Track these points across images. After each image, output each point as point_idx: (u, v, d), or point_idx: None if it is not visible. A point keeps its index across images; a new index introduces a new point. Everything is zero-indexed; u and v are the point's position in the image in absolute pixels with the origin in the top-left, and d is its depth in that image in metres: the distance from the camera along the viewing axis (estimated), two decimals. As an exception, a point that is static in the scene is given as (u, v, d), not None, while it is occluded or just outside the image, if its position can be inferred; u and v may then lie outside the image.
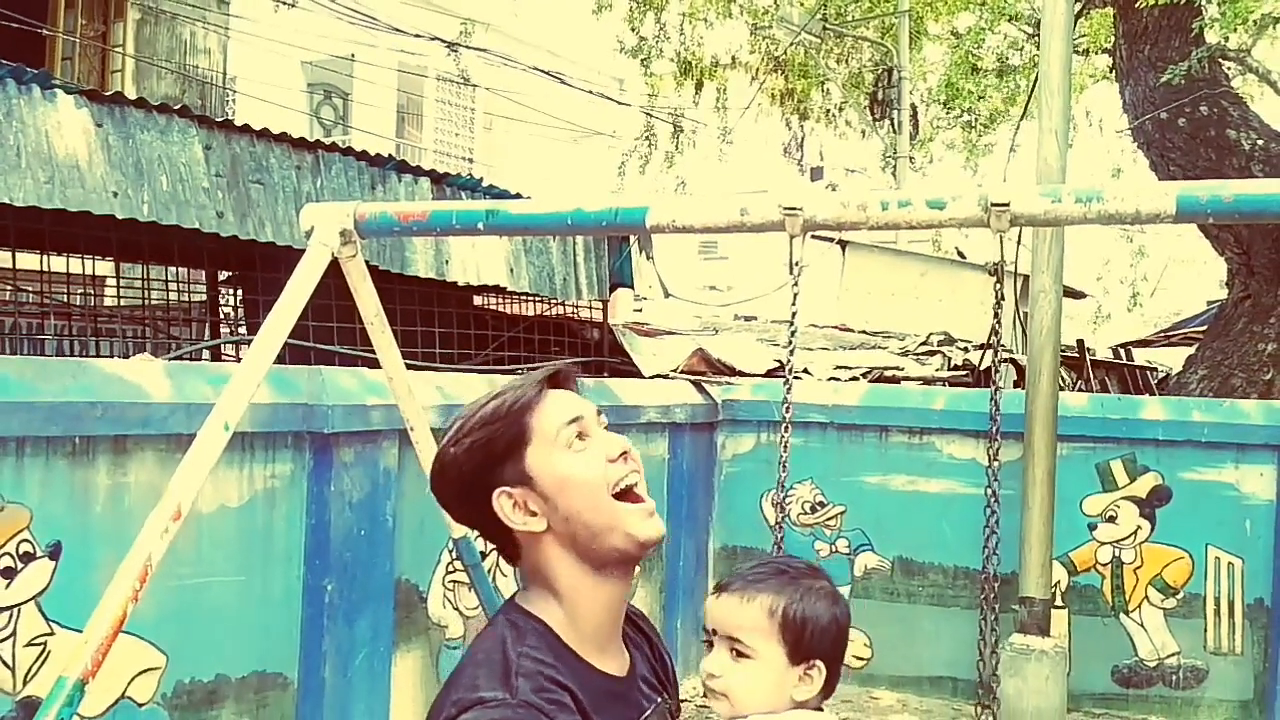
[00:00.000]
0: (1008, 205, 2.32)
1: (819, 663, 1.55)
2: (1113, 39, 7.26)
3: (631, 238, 6.27)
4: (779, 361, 6.60)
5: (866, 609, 4.72)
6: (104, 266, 6.24)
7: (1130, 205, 2.27)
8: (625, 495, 1.49)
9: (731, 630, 1.55)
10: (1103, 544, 4.49)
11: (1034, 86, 5.86)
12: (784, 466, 3.80)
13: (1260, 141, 6.29)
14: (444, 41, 13.29)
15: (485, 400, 1.54)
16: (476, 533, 1.62)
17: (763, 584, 1.56)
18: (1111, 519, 4.45)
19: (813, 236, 2.62)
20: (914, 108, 14.94)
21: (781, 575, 1.58)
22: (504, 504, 1.48)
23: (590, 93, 16.83)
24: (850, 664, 4.77)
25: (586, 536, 1.47)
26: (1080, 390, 8.20)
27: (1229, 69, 6.97)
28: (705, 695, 1.61)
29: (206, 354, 5.66)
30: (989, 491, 3.39)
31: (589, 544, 1.47)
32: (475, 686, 1.39)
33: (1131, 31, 6.73)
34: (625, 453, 1.51)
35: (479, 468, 1.49)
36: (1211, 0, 6.47)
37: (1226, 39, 6.78)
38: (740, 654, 1.54)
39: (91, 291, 6.03)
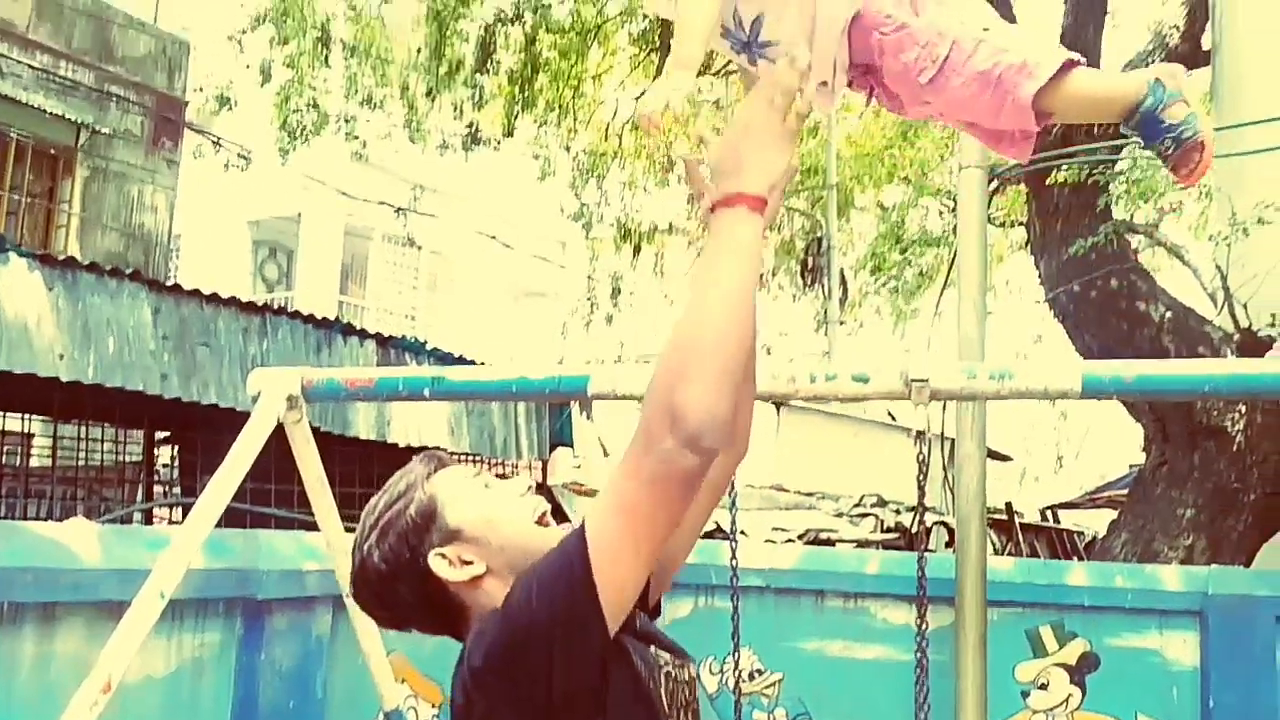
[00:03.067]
0: (927, 380, 2.46)
1: None
2: (1027, 214, 7.63)
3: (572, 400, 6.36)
4: (716, 523, 6.63)
5: (805, 779, 4.64)
6: (36, 423, 6.17)
7: (1040, 383, 2.43)
8: (541, 524, 1.61)
9: None
10: (1036, 712, 4.50)
11: (954, 257, 6.17)
12: (736, 632, 3.81)
13: (1169, 313, 6.56)
14: (391, 206, 13.62)
15: (379, 498, 1.64)
16: (416, 630, 1.67)
17: None
18: (1043, 686, 4.48)
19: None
20: (843, 274, 15.51)
21: None
22: (440, 565, 1.55)
23: (534, 256, 17.23)
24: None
25: (524, 561, 1.53)
26: (1010, 554, 8.32)
27: (1138, 243, 7.33)
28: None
29: (139, 515, 5.57)
30: (918, 659, 3.43)
31: (526, 566, 1.53)
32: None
33: (1044, 208, 7.08)
34: (530, 487, 1.65)
35: (403, 546, 1.57)
36: (1116, 179, 6.86)
37: (1132, 215, 7.16)
38: None
39: (24, 450, 5.94)
